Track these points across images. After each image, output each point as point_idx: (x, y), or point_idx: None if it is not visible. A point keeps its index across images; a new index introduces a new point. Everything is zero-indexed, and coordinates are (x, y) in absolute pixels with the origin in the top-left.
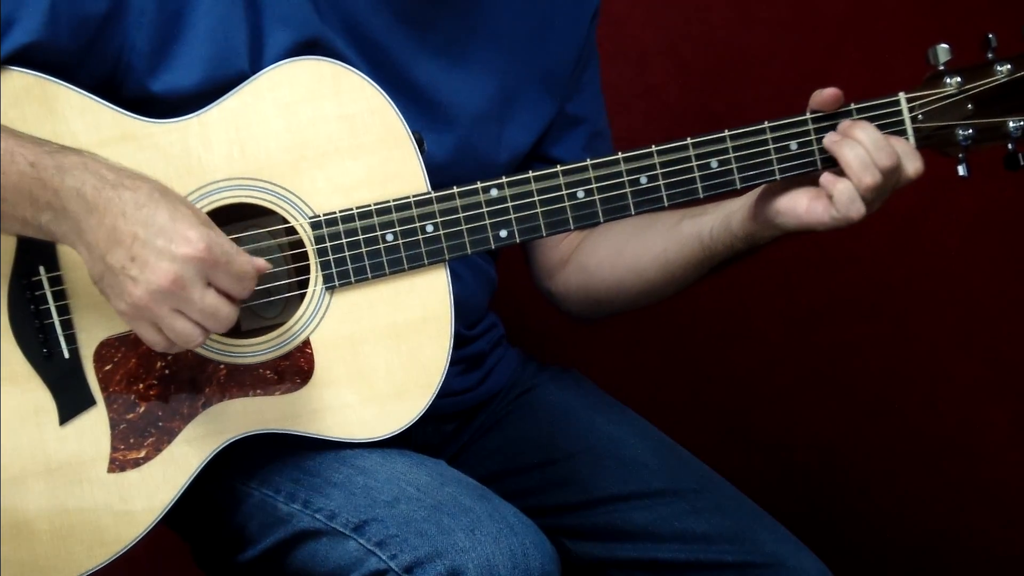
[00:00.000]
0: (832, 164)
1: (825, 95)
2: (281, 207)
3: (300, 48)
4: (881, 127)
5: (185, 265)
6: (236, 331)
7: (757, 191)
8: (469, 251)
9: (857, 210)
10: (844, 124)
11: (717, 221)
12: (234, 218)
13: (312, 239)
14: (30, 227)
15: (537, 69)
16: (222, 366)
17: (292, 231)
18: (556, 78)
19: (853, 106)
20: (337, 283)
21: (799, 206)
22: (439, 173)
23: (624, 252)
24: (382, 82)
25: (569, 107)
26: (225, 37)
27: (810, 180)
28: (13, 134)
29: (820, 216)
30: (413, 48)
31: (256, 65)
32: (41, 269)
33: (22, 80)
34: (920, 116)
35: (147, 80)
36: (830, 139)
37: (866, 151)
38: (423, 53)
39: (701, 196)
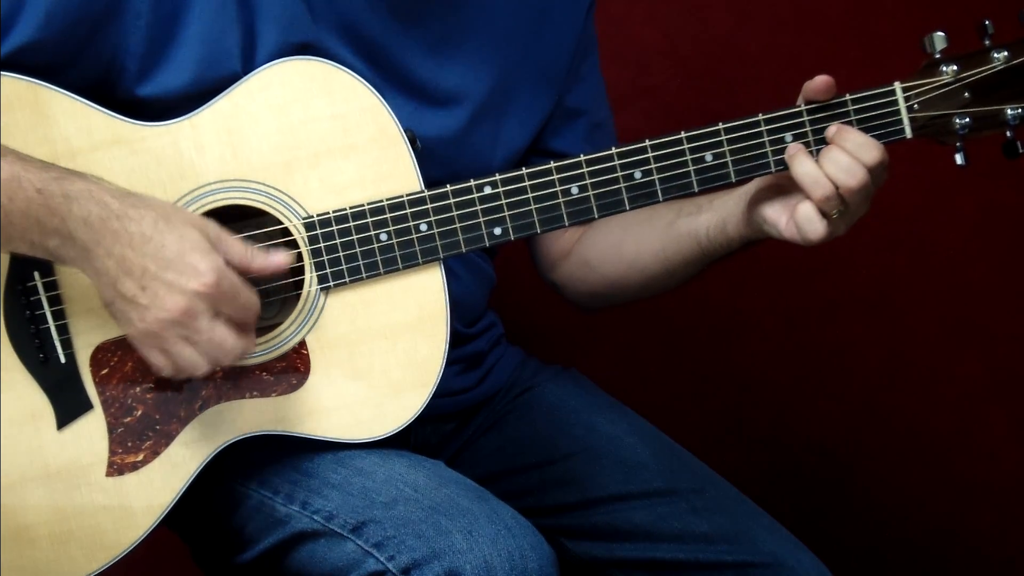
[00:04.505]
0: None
1: (817, 83)
2: (274, 208)
3: (293, 49)
4: (877, 117)
5: (195, 298)
6: None
7: (751, 192)
8: (464, 249)
9: (814, 231)
10: (829, 132)
11: (713, 223)
12: (228, 219)
13: (306, 240)
14: (38, 249)
15: (534, 62)
16: (218, 368)
17: (286, 232)
18: (553, 70)
19: (848, 96)
20: (332, 283)
21: (780, 223)
22: (436, 168)
23: (623, 248)
24: (379, 80)
25: (568, 99)
26: (218, 38)
27: None
28: (19, 158)
29: (794, 235)
30: (409, 45)
31: (249, 66)
32: (36, 275)
33: (13, 85)
34: (916, 105)
35: (140, 81)
36: (788, 152)
37: (820, 170)
38: (419, 49)
39: (696, 190)
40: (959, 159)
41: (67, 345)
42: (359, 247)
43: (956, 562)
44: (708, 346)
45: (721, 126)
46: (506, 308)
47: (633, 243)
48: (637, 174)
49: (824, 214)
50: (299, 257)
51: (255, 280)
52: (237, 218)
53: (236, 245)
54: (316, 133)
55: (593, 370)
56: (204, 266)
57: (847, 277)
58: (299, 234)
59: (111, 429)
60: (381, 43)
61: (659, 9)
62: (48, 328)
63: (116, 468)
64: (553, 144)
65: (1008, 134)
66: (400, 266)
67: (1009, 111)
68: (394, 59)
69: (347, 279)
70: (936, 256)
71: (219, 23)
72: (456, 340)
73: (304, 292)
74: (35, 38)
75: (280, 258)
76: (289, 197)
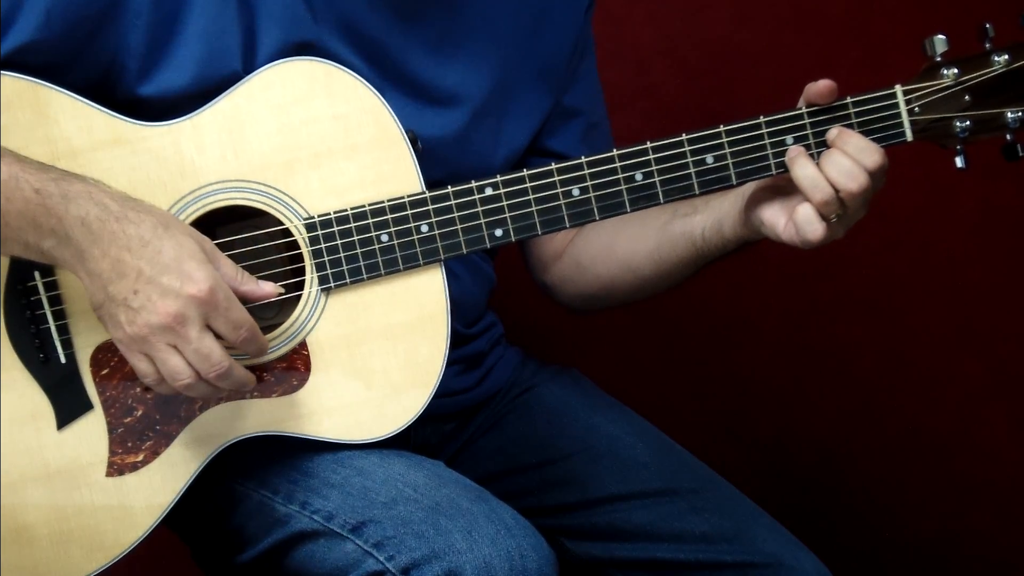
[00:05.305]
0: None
1: (819, 87)
2: (275, 209)
3: (293, 48)
4: (878, 120)
5: (188, 303)
6: None
7: (748, 193)
8: (464, 250)
9: (814, 233)
10: (830, 135)
11: (708, 224)
12: (229, 220)
13: (307, 240)
14: (32, 251)
15: (533, 62)
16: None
17: (287, 233)
18: (552, 71)
19: (849, 99)
20: (333, 284)
21: (778, 225)
22: (438, 168)
23: (616, 249)
24: (380, 79)
25: (566, 99)
26: (218, 37)
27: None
28: (17, 159)
29: (792, 238)
30: (410, 44)
31: (249, 65)
32: (36, 274)
33: (14, 85)
34: (917, 108)
35: (140, 81)
36: (789, 155)
37: (821, 173)
38: (420, 48)
39: (697, 192)
40: (959, 162)
41: (67, 345)
42: (360, 248)
43: (956, 562)
44: (708, 346)
45: (722, 128)
46: (506, 308)
47: (626, 244)
48: (638, 176)
49: (823, 217)
50: (301, 257)
51: (255, 268)
52: (238, 218)
53: (228, 265)
54: (317, 134)
55: (593, 370)
56: (200, 274)
57: (847, 278)
58: (300, 235)
59: (111, 429)
60: (382, 42)
61: (659, 9)
62: (48, 328)
63: (116, 468)
64: (549, 144)
65: (1008, 137)
66: (401, 267)
67: (1009, 114)
68: (395, 58)
69: (348, 280)
70: (936, 256)
71: (220, 22)
72: (456, 340)
73: (305, 292)
74: (35, 38)
75: (269, 288)
76: (290, 198)
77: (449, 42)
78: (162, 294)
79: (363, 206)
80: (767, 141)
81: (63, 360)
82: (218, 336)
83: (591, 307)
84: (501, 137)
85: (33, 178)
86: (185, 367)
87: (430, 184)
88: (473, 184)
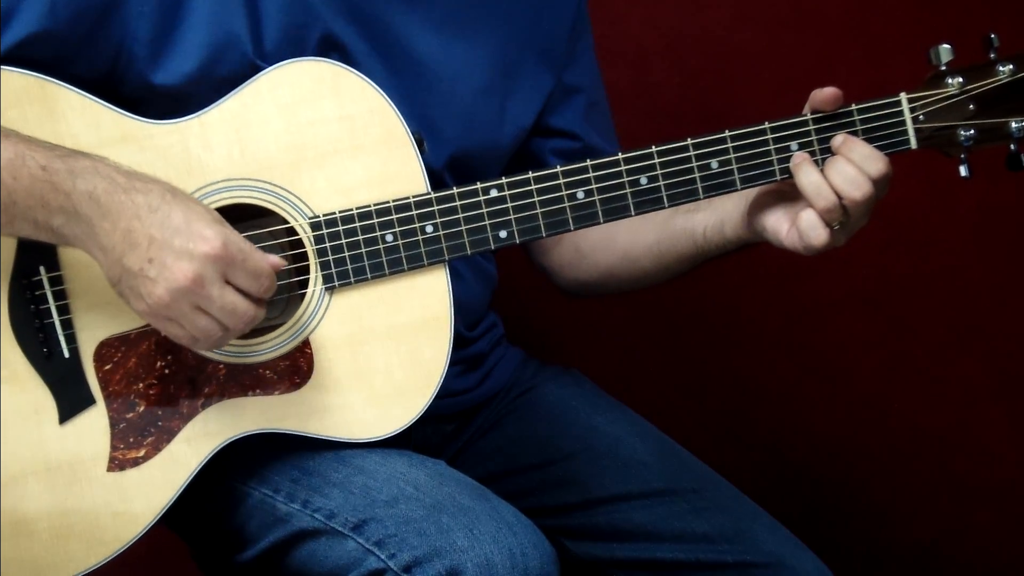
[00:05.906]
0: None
1: (824, 94)
2: (281, 208)
3: (297, 30)
4: (882, 127)
5: (203, 263)
6: None
7: (752, 196)
8: (469, 252)
9: (818, 238)
10: (835, 142)
11: (710, 223)
12: (234, 218)
13: (312, 240)
14: (42, 230)
15: (534, 42)
16: (222, 366)
17: (292, 231)
18: (553, 50)
19: (854, 106)
20: (337, 283)
21: (781, 231)
22: (445, 147)
23: (617, 239)
24: (384, 60)
25: (566, 77)
26: (225, 21)
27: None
28: (23, 138)
29: (795, 243)
30: (413, 24)
31: (258, 47)
32: (41, 269)
33: (21, 80)
34: (921, 116)
35: (148, 70)
36: (794, 161)
37: (825, 180)
38: (423, 28)
39: (701, 197)
40: (963, 171)
41: (71, 340)
42: (364, 248)
43: (956, 562)
44: (708, 346)
45: (727, 133)
46: (506, 308)
47: (627, 235)
48: (643, 180)
49: (826, 223)
50: (305, 256)
51: None
52: (243, 217)
53: (235, 235)
54: (324, 134)
55: (593, 370)
56: (210, 232)
57: (847, 277)
58: (305, 234)
59: (113, 424)
60: (386, 22)
61: (659, 9)
62: (52, 323)
63: (117, 464)
64: (552, 122)
65: (1011, 147)
66: (405, 267)
67: (1014, 124)
68: (399, 39)
69: (352, 279)
70: (936, 256)
71: (225, 5)
72: (458, 342)
73: (309, 291)
74: (40, 28)
75: (274, 260)
76: (296, 197)
77: (452, 22)
78: (176, 257)
79: (368, 206)
80: (772, 147)
81: (66, 354)
82: (239, 291)
83: (588, 293)
84: (507, 115)
85: (39, 155)
86: (215, 326)
87: (440, 166)
88: (478, 185)
